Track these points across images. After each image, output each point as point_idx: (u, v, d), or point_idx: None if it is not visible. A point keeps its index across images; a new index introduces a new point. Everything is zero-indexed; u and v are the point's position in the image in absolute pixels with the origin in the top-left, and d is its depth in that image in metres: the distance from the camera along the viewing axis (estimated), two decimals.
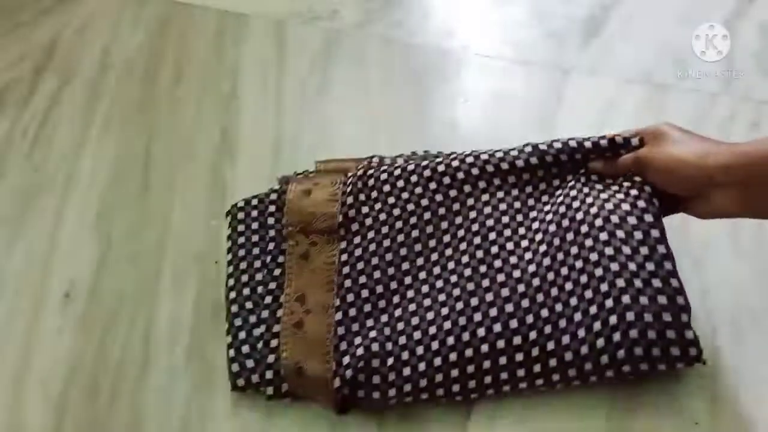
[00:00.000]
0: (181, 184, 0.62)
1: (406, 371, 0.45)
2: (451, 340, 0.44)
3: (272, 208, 0.54)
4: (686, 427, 0.44)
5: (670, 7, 0.69)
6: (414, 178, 0.51)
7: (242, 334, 0.50)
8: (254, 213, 0.55)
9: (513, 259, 0.46)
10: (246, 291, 0.51)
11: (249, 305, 0.51)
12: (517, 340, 0.43)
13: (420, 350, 0.45)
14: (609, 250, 0.44)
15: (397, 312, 0.47)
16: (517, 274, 0.46)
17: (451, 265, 0.48)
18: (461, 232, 0.49)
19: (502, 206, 0.49)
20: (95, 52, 0.73)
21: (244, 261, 0.53)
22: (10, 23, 0.75)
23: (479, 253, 0.47)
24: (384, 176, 0.52)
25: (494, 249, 0.47)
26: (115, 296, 0.55)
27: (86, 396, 0.50)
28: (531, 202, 0.49)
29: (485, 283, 0.46)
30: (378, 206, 0.51)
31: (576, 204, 0.47)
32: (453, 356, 0.44)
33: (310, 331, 0.48)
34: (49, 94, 0.70)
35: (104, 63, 0.72)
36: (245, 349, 0.49)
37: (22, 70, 0.71)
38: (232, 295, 0.52)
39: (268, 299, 0.50)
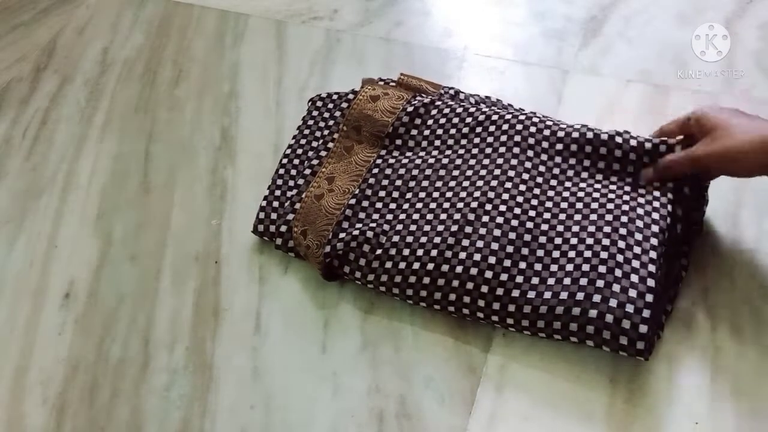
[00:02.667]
0: (181, 184, 0.62)
1: (388, 264, 0.50)
2: (434, 252, 0.49)
3: (344, 105, 0.60)
4: (686, 427, 0.44)
5: (670, 7, 0.69)
6: (468, 120, 0.56)
7: (278, 192, 0.57)
8: (329, 105, 0.61)
9: (517, 210, 0.50)
10: (296, 161, 0.59)
11: (293, 172, 0.58)
12: (488, 274, 0.47)
13: (406, 252, 0.50)
14: (606, 240, 0.47)
15: (401, 216, 0.53)
16: (514, 223, 0.50)
17: (462, 194, 0.52)
18: (483, 172, 0.53)
19: (527, 164, 0.52)
20: (95, 52, 0.73)
21: (304, 138, 0.60)
22: (10, 23, 0.75)
23: (491, 194, 0.51)
24: (446, 110, 0.57)
25: (505, 196, 0.51)
26: (115, 296, 0.55)
27: (86, 396, 0.50)
28: (556, 171, 0.52)
29: (484, 219, 0.50)
30: (426, 132, 0.56)
31: (595, 193, 0.50)
32: (430, 266, 0.49)
33: (325, 205, 0.54)
34: (49, 94, 0.70)
35: (104, 63, 0.72)
36: (275, 203, 0.56)
37: (22, 70, 0.71)
38: (284, 160, 0.59)
39: (308, 172, 0.57)
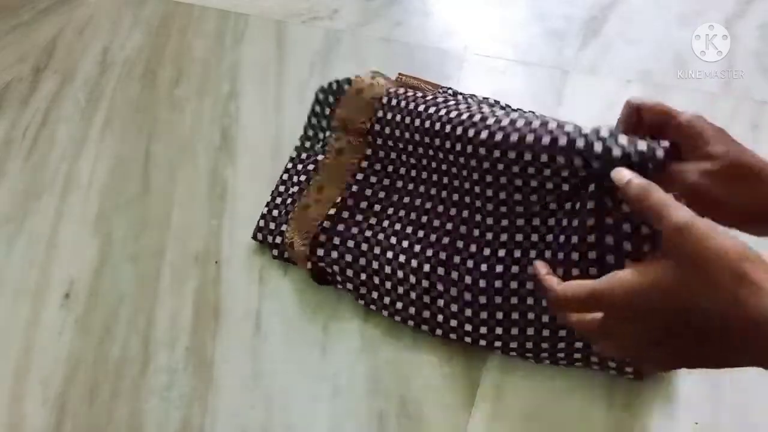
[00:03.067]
0: (181, 184, 0.62)
1: (376, 281, 0.50)
2: (420, 275, 0.48)
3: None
4: (686, 427, 0.44)
5: (670, 7, 0.69)
6: (437, 126, 0.49)
7: (278, 200, 0.57)
8: (330, 98, 0.60)
9: (486, 251, 0.48)
10: (299, 166, 0.58)
11: (295, 179, 0.57)
12: (468, 328, 0.47)
13: (388, 269, 0.49)
14: (575, 271, 0.42)
15: (380, 236, 0.51)
16: (483, 268, 0.47)
17: (440, 208, 0.50)
18: (456, 197, 0.50)
19: (491, 188, 0.47)
20: (95, 52, 0.73)
21: (308, 141, 0.60)
22: (10, 23, 0.75)
23: (462, 229, 0.49)
24: (421, 108, 0.50)
25: (476, 232, 0.48)
26: (115, 296, 0.55)
27: (86, 396, 0.50)
28: (516, 192, 0.46)
29: (459, 244, 0.49)
30: (407, 135, 0.51)
31: (560, 213, 0.44)
32: (413, 295, 0.48)
33: (310, 215, 0.53)
34: (49, 94, 0.70)
35: (104, 63, 0.72)
36: (275, 212, 0.56)
37: (22, 70, 0.71)
38: (289, 165, 0.59)
39: (303, 178, 0.56)
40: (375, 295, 0.50)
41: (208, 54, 0.72)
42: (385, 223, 0.52)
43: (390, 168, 0.54)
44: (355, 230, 0.52)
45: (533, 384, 0.47)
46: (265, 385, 0.50)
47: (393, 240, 0.50)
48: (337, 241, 0.52)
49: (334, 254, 0.51)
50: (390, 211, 0.52)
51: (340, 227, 0.52)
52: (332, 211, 0.52)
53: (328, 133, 0.59)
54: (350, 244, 0.51)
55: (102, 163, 0.65)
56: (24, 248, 0.59)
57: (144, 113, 0.68)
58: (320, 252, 0.51)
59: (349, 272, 0.51)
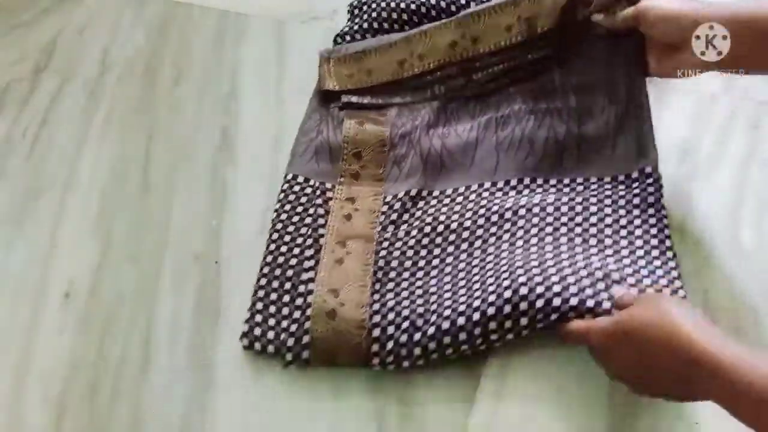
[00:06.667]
0: (181, 184, 0.62)
1: (431, 330, 0.48)
2: (463, 307, 0.48)
3: (320, 210, 0.57)
4: (686, 427, 0.44)
5: None
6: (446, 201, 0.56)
7: (273, 295, 0.53)
8: (302, 199, 0.58)
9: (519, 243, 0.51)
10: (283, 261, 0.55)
11: (289, 273, 0.54)
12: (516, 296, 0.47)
13: (443, 313, 0.49)
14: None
15: (423, 283, 0.51)
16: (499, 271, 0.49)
17: (467, 248, 0.53)
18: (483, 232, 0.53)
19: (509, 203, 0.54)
20: (95, 52, 0.73)
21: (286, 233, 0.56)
22: (10, 23, 0.75)
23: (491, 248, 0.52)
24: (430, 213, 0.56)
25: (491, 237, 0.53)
26: (115, 296, 0.55)
27: (86, 396, 0.50)
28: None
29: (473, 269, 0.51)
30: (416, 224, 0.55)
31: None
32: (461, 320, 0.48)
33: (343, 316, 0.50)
34: (49, 94, 0.70)
35: (104, 63, 0.72)
36: (272, 308, 0.52)
37: (22, 70, 0.71)
38: (269, 258, 0.55)
39: (302, 288, 0.53)
40: (432, 331, 0.48)
41: (208, 54, 0.72)
42: (419, 274, 0.53)
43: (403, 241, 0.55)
44: (402, 287, 0.52)
45: (534, 384, 0.47)
46: (265, 384, 0.50)
47: (433, 282, 0.51)
48: (391, 315, 0.50)
49: (391, 316, 0.50)
50: (421, 263, 0.53)
51: (389, 299, 0.52)
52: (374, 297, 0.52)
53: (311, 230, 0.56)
54: (400, 309, 0.50)
55: (102, 163, 0.65)
56: (24, 248, 0.59)
57: (144, 113, 0.68)
58: (376, 318, 0.50)
59: (404, 337, 0.49)
